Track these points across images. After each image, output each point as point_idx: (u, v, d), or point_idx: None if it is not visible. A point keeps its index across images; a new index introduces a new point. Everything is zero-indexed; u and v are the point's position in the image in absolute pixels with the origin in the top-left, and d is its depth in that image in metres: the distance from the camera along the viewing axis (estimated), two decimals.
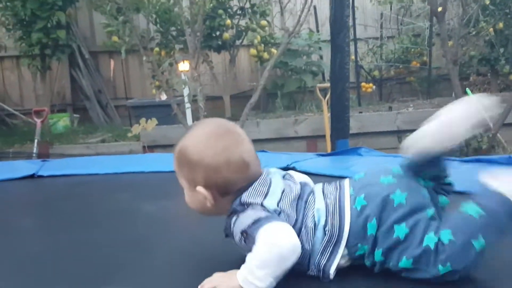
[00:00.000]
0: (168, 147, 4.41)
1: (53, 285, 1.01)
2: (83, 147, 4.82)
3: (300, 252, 0.88)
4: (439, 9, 3.81)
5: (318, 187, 1.01)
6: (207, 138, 0.97)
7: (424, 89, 6.16)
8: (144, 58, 3.87)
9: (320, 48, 5.85)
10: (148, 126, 3.97)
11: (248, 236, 0.90)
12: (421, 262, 0.88)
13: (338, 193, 0.96)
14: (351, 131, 4.26)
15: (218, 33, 5.40)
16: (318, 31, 6.27)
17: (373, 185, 0.94)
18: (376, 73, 6.46)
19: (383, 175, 0.95)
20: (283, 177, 1.01)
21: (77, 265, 1.12)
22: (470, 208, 0.88)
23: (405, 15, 6.56)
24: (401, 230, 0.89)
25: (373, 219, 0.90)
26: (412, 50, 6.26)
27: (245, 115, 4.12)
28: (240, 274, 0.88)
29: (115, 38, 5.23)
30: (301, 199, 0.97)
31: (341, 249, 0.92)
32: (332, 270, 0.92)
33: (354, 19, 5.76)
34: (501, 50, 5.88)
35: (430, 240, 0.87)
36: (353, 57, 5.98)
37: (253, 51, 5.73)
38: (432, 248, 0.86)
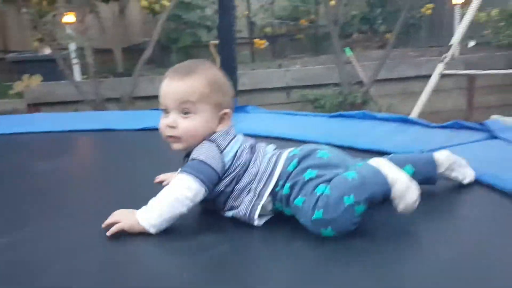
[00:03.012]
0: (55, 104, 4.17)
1: None
2: None
3: (196, 199, 1.03)
4: None
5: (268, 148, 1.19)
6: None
7: (313, 46, 6.53)
8: (24, 9, 3.57)
9: (214, 2, 5.83)
10: (32, 83, 3.73)
11: None
12: (307, 204, 1.02)
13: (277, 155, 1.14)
14: (244, 88, 4.43)
15: None
16: None
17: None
18: (268, 29, 6.66)
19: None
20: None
21: None
22: (349, 173, 1.05)
23: None
24: (311, 173, 1.06)
25: (295, 160, 1.10)
26: (301, 8, 6.54)
27: (139, 71, 4.04)
28: (140, 211, 1.02)
29: None
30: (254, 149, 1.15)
31: (269, 188, 1.08)
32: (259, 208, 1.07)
33: None
34: (379, 10, 6.42)
35: (320, 189, 1.03)
36: (246, 12, 6.09)
37: (143, 2, 5.52)
38: (317, 194, 1.02)
